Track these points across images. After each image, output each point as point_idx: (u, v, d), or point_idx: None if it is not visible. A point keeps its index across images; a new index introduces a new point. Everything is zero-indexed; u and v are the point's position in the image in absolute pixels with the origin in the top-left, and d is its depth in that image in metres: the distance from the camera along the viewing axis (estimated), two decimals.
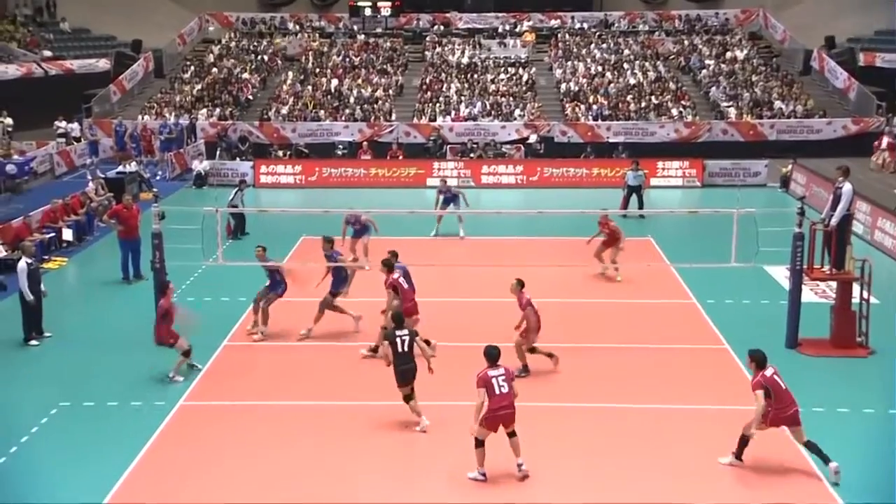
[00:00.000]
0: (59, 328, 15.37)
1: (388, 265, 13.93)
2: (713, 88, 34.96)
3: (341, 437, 11.50)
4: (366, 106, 33.90)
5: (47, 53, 38.70)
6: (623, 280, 18.02)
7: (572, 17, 42.34)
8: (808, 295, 15.79)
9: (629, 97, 33.99)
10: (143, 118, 33.28)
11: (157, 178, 29.24)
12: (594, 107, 33.46)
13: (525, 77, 36.24)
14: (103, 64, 39.47)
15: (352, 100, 34.46)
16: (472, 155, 30.61)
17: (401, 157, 30.15)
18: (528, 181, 28.87)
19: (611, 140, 31.69)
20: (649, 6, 45.00)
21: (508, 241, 21.08)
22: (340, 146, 31.84)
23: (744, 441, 10.62)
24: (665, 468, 10.71)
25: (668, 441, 11.37)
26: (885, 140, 30.44)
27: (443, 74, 36.63)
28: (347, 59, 38.06)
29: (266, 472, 10.66)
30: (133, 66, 37.54)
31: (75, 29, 42.19)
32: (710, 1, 44.66)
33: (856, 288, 14.41)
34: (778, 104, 33.36)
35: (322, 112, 33.63)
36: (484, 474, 10.32)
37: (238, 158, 30.65)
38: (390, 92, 35.33)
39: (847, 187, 14.14)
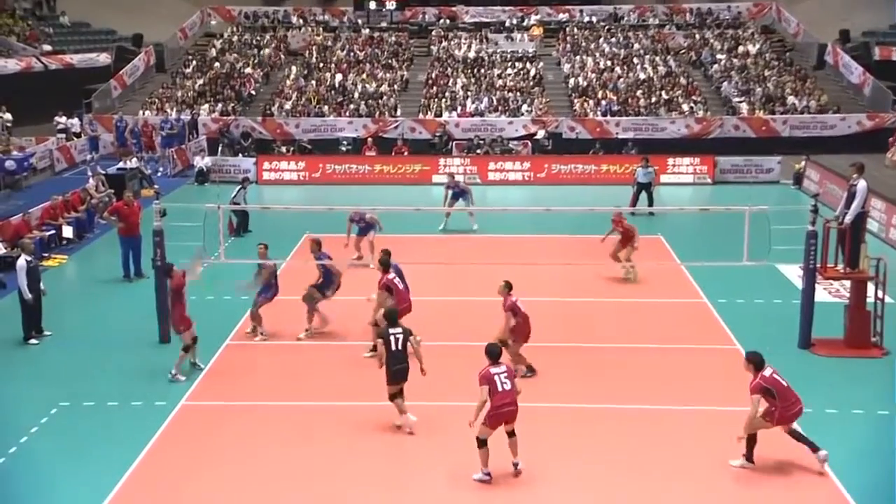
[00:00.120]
0: (59, 327, 15.41)
1: (385, 264, 13.96)
2: (725, 83, 34.88)
3: (343, 437, 11.52)
4: (370, 101, 33.92)
5: (47, 48, 38.78)
6: (637, 280, 17.90)
7: (581, 11, 42.26)
8: (821, 294, 15.77)
9: (639, 92, 33.93)
10: (144, 113, 33.34)
11: (159, 174, 29.30)
12: (603, 102, 33.41)
13: (532, 72, 36.20)
14: (104, 58, 39.53)
15: (356, 95, 34.48)
16: (478, 151, 30.61)
17: (406, 154, 30.17)
18: (535, 178, 28.84)
19: (620, 136, 31.66)
20: None
21: (515, 239, 21.06)
22: (344, 142, 31.87)
23: (751, 442, 10.65)
24: (675, 470, 10.71)
25: (677, 443, 11.36)
26: None
27: (449, 69, 36.62)
28: (352, 54, 38.07)
29: (268, 473, 10.69)
30: (134, 60, 37.63)
31: (75, 23, 42.28)
32: None
33: (870, 287, 14.39)
34: (791, 99, 33.27)
35: (326, 107, 33.66)
36: (489, 474, 10.35)
37: (240, 155, 30.70)
38: (395, 87, 35.34)
39: (862, 184, 14.10)
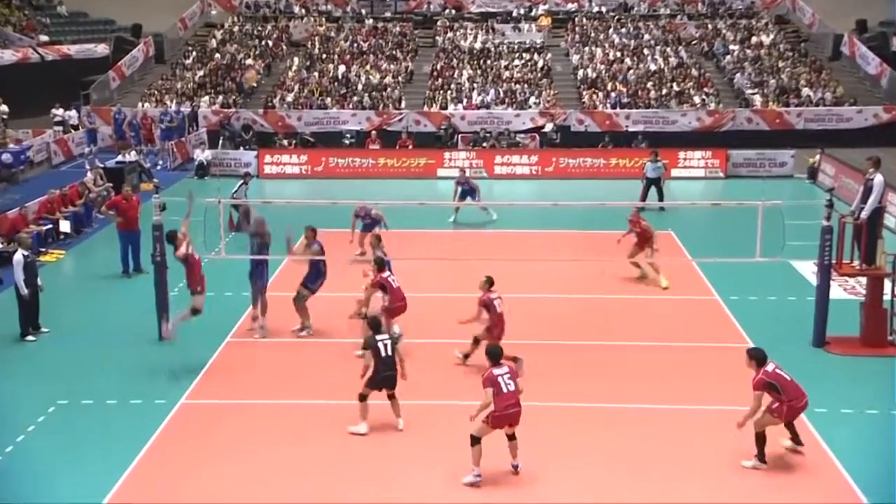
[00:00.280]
0: (57, 323, 15.45)
1: (380, 263, 14.12)
2: (738, 75, 34.79)
3: (342, 435, 11.53)
4: (374, 93, 33.91)
5: (44, 38, 38.88)
6: (648, 279, 17.77)
7: (590, 1, 42.16)
8: (836, 291, 15.74)
9: (649, 84, 33.87)
10: (142, 106, 33.38)
11: (158, 167, 29.36)
12: (612, 94, 33.36)
13: (540, 63, 36.16)
14: (102, 49, 39.61)
15: (360, 87, 34.47)
16: (484, 144, 30.59)
17: (410, 147, 30.16)
18: (543, 172, 28.83)
19: (630, 129, 31.60)
20: None
21: (522, 235, 21.06)
22: (348, 135, 31.88)
23: (761, 441, 10.68)
24: (686, 470, 10.72)
25: (689, 442, 11.36)
26: None
27: (454, 60, 36.58)
28: (355, 45, 38.06)
29: (268, 471, 10.72)
30: (133, 51, 37.65)
31: (73, 13, 42.37)
32: None
33: (887, 284, 14.35)
34: (806, 91, 33.18)
35: (329, 99, 33.66)
36: (479, 475, 10.32)
37: (241, 148, 30.73)
38: (400, 79, 35.32)
39: (878, 179, 14.05)
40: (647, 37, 38.08)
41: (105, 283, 18.19)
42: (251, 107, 33.60)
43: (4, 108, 33.00)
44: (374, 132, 31.10)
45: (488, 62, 36.32)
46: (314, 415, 12.12)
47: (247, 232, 15.20)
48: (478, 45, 37.85)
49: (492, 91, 33.71)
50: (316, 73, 35.59)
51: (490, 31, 39.13)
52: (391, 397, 11.63)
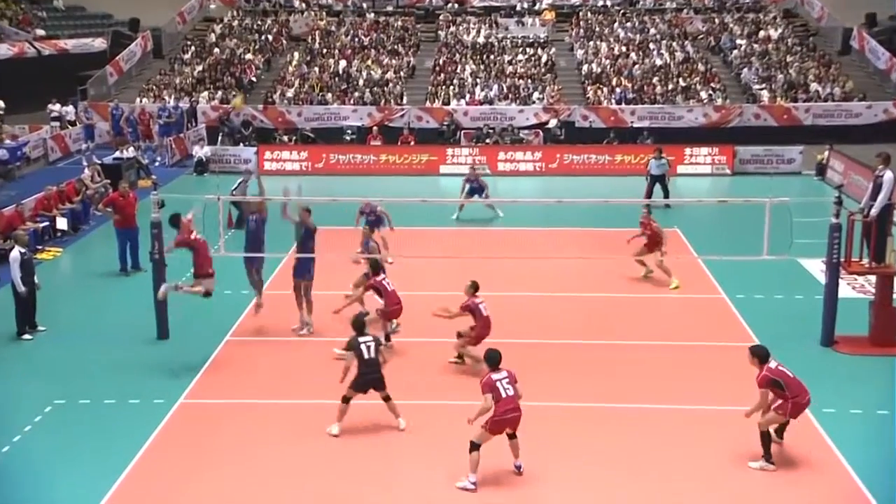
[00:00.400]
0: (54, 322, 15.48)
1: (375, 266, 14.26)
2: (745, 70, 34.76)
3: (343, 435, 11.55)
4: (375, 89, 33.92)
5: (40, 32, 38.90)
6: (655, 277, 17.77)
7: None
8: (845, 290, 15.74)
9: (655, 79, 33.84)
10: (140, 101, 33.39)
11: (156, 164, 29.40)
12: (617, 90, 33.34)
13: (544, 58, 36.14)
14: (99, 43, 39.64)
15: (361, 82, 34.48)
16: (487, 141, 30.60)
17: (412, 143, 30.18)
18: (546, 168, 28.84)
19: (635, 125, 31.58)
20: None
21: (525, 232, 21.07)
22: (349, 131, 31.88)
23: (767, 441, 10.71)
24: (688, 470, 10.73)
25: (694, 443, 11.37)
26: None
27: (457, 55, 36.59)
28: (356, 39, 38.08)
29: (267, 471, 10.74)
30: (130, 45, 37.67)
31: (70, 6, 42.40)
32: None
33: None
34: (814, 86, 33.14)
35: (329, 95, 33.67)
36: (475, 483, 10.26)
37: (241, 144, 30.76)
38: (401, 74, 35.32)
39: (888, 175, 14.05)
40: (652, 31, 38.05)
41: (103, 281, 18.22)
42: (251, 102, 33.61)
43: (0, 103, 33.02)
44: (375, 128, 31.13)
45: (491, 57, 36.30)
46: (314, 414, 12.12)
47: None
48: (481, 40, 37.84)
49: (495, 86, 33.70)
50: (316, 68, 35.60)
51: (493, 25, 39.13)
52: (386, 399, 11.62)
